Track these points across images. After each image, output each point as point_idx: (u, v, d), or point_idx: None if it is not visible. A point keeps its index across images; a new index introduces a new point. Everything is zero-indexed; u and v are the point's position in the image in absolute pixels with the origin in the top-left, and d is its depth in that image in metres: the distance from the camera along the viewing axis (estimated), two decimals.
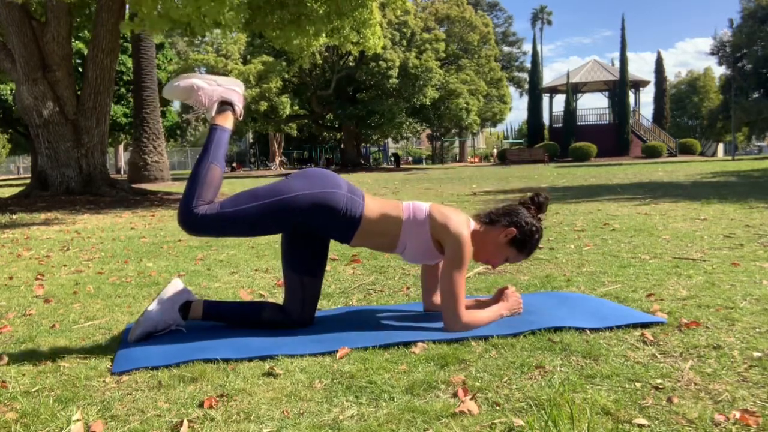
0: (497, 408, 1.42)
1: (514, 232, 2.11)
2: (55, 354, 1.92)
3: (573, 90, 38.37)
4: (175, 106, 32.13)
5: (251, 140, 44.56)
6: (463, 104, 29.60)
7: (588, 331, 1.96)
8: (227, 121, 2.14)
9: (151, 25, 7.88)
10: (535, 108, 40.04)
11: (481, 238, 2.14)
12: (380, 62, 26.67)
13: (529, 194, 2.21)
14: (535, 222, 2.14)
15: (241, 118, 2.24)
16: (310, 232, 2.11)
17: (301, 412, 1.44)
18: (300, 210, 2.01)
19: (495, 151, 44.65)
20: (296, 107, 29.50)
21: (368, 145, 40.50)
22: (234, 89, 2.20)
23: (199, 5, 7.54)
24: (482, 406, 1.43)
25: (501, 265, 2.23)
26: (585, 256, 3.46)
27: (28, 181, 17.67)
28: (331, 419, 1.39)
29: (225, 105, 2.17)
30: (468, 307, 2.11)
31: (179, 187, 14.65)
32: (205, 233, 2.02)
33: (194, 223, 1.98)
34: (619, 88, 36.29)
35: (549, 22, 65.33)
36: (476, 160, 46.51)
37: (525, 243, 2.13)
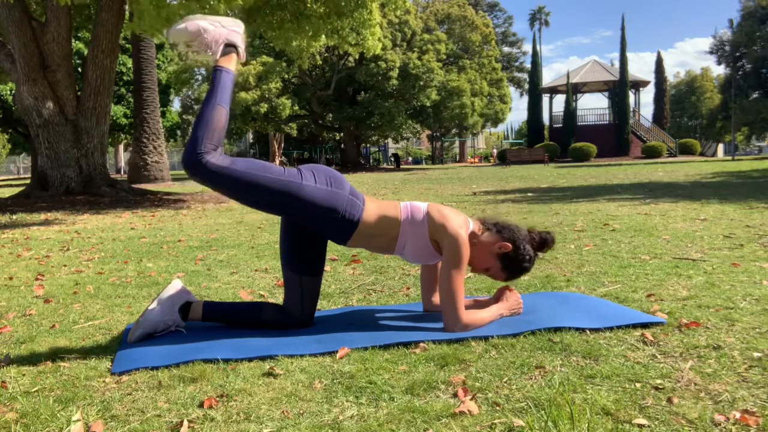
0: (497, 408, 1.42)
1: (509, 247, 2.11)
2: (55, 354, 1.92)
3: (573, 90, 38.38)
4: (176, 106, 32.14)
5: (251, 140, 44.54)
6: (468, 102, 29.58)
7: (588, 331, 1.96)
8: (232, 63, 2.12)
9: (150, 25, 7.87)
10: (535, 108, 40.04)
11: (477, 242, 2.14)
12: (380, 63, 26.66)
13: (540, 230, 2.21)
14: (531, 251, 2.14)
15: (243, 60, 2.22)
16: (308, 230, 2.11)
17: (301, 412, 1.44)
18: (300, 200, 2.01)
19: (495, 151, 44.65)
20: (296, 108, 29.50)
21: (368, 145, 40.50)
22: (237, 30, 2.17)
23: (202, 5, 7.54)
24: (482, 406, 1.43)
25: (480, 273, 2.21)
26: (585, 256, 3.46)
27: (28, 181, 17.67)
28: (331, 419, 1.39)
29: (229, 47, 2.15)
30: (467, 307, 2.10)
31: (179, 188, 14.64)
32: (207, 181, 1.99)
33: (200, 168, 1.95)
34: (619, 88, 36.30)
35: (546, 23, 65.41)
36: (476, 160, 46.52)
37: (512, 263, 2.13)
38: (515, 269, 2.15)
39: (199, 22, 2.11)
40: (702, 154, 40.08)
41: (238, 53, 2.16)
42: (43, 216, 7.49)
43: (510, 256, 2.12)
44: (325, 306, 2.51)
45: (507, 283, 2.26)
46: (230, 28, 2.16)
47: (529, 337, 1.93)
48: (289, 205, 2.02)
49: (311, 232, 2.12)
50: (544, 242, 2.17)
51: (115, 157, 43.14)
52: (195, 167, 1.96)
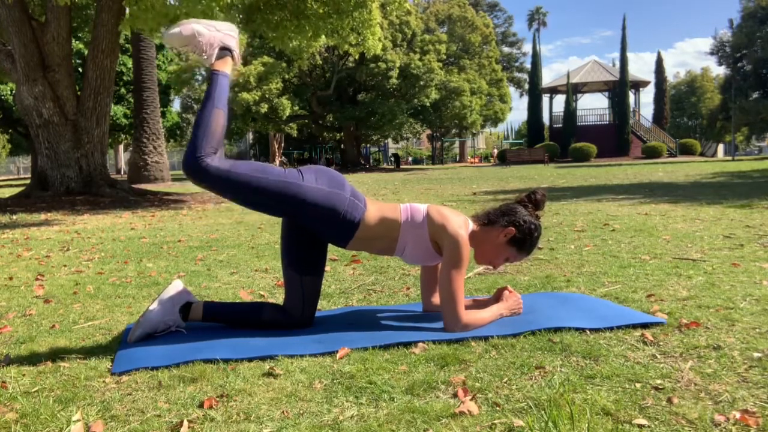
0: (497, 408, 1.42)
1: (513, 231, 2.11)
2: (55, 354, 1.92)
3: (573, 90, 38.38)
4: (176, 106, 32.16)
5: (251, 140, 44.54)
6: (467, 102, 29.61)
7: (588, 332, 1.96)
8: (227, 67, 2.13)
9: (143, 22, 7.86)
10: (535, 108, 40.04)
11: (481, 240, 2.14)
12: (380, 63, 26.66)
13: (526, 192, 2.22)
14: (533, 220, 2.14)
15: (238, 64, 2.23)
16: (308, 231, 2.11)
17: (301, 412, 1.44)
18: (301, 202, 2.01)
19: (495, 151, 44.64)
20: (296, 108, 29.50)
21: (368, 145, 40.49)
22: (231, 34, 2.18)
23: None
24: (482, 407, 1.43)
25: (502, 265, 2.23)
26: (585, 256, 3.46)
27: (28, 181, 17.66)
28: (331, 419, 1.39)
29: (224, 50, 2.15)
30: (467, 307, 2.11)
31: (179, 188, 14.65)
32: (208, 184, 1.99)
33: (201, 172, 1.95)
34: (619, 89, 36.30)
35: (544, 23, 65.49)
36: (476, 160, 46.52)
37: (524, 241, 2.13)
38: (530, 244, 2.16)
39: (194, 25, 2.11)
40: (702, 155, 40.08)
41: (233, 57, 2.16)
42: (43, 216, 7.49)
43: (518, 237, 2.12)
44: (325, 306, 2.51)
45: (507, 283, 2.27)
46: (225, 32, 2.16)
47: (529, 337, 1.93)
48: (291, 206, 2.02)
49: (313, 234, 2.12)
50: (537, 203, 2.19)
51: (115, 157, 43.14)
52: (195, 171, 1.96)
